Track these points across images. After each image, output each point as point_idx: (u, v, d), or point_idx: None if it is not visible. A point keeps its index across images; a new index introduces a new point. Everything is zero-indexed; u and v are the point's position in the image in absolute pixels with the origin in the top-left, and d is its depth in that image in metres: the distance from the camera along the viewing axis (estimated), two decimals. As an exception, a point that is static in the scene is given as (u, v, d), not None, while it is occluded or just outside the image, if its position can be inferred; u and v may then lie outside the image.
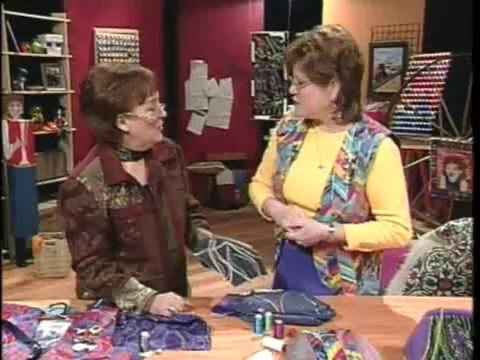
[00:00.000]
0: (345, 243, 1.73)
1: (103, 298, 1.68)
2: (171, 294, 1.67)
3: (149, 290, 1.66)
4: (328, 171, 1.75)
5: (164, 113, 1.72)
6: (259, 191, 1.96)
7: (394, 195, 1.74)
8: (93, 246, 1.68)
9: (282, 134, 1.88)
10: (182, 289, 1.88)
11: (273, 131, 1.95)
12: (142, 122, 1.67)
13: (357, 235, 1.73)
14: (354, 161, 1.73)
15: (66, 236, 1.74)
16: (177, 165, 1.86)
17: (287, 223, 1.75)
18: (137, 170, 1.75)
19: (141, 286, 1.67)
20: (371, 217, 1.78)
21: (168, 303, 1.62)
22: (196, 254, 1.77)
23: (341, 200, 1.72)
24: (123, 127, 1.67)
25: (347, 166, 1.73)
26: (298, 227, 1.72)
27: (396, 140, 1.77)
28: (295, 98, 1.77)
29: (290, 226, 1.73)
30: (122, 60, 5.79)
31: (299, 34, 1.79)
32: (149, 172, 1.76)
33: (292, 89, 1.77)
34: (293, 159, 1.83)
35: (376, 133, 1.74)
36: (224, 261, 1.69)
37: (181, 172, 1.88)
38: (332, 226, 1.73)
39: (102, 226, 1.68)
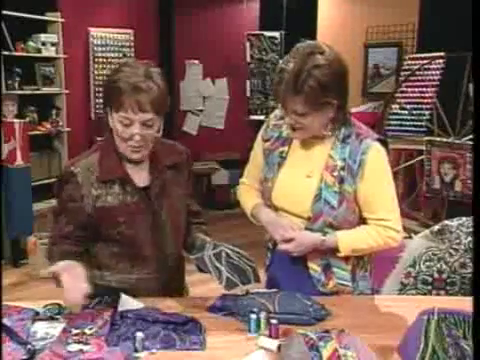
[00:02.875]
0: (337, 250, 1.74)
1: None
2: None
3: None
4: (317, 179, 1.74)
5: (137, 137, 1.63)
6: (248, 195, 1.94)
7: (384, 199, 1.74)
8: (63, 231, 1.74)
9: (267, 139, 1.86)
10: (178, 292, 1.88)
11: (258, 135, 1.93)
12: (114, 128, 1.67)
13: (349, 242, 1.73)
14: (343, 168, 1.72)
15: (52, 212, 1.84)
16: (184, 170, 1.85)
17: (279, 237, 1.74)
18: (138, 171, 1.75)
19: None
20: (361, 220, 1.78)
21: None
22: (192, 257, 1.77)
23: (332, 208, 1.72)
24: (109, 120, 1.69)
25: (336, 173, 1.72)
26: (290, 239, 1.72)
27: (384, 143, 1.75)
28: (295, 126, 1.72)
29: (282, 239, 1.73)
30: (117, 60, 5.77)
31: (284, 65, 1.65)
32: (153, 175, 1.76)
33: (289, 121, 1.72)
34: (280, 166, 1.81)
35: (363, 139, 1.72)
36: (219, 265, 1.69)
37: (187, 177, 1.86)
38: (324, 234, 1.73)
39: (79, 218, 1.72)
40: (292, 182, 1.78)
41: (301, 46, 1.68)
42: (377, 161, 1.72)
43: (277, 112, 1.88)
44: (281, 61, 1.70)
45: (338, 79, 1.66)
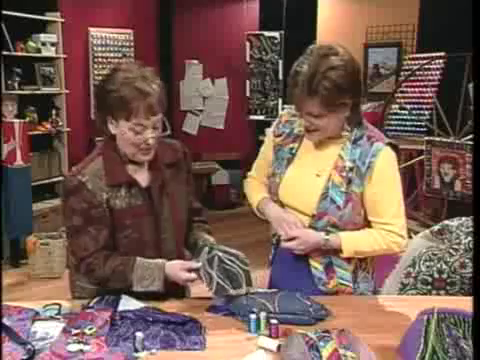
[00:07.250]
0: (340, 250, 1.74)
1: (117, 284, 1.70)
2: (177, 262, 1.71)
3: (160, 261, 1.70)
4: (325, 178, 1.74)
5: (150, 141, 1.66)
6: (254, 189, 1.95)
7: (391, 204, 1.74)
8: (100, 241, 1.70)
9: (279, 135, 1.86)
10: (178, 291, 1.86)
11: (269, 130, 1.93)
12: (123, 136, 1.67)
13: (352, 243, 1.73)
14: (351, 169, 1.72)
15: (69, 233, 1.75)
16: (182, 168, 1.85)
17: (283, 235, 1.75)
18: (140, 171, 1.75)
19: (150, 260, 1.70)
20: (366, 223, 1.78)
21: (179, 269, 1.68)
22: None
23: (337, 208, 1.72)
24: (111, 128, 1.68)
25: (344, 174, 1.72)
26: (294, 237, 1.72)
27: (394, 147, 1.75)
28: (310, 128, 1.73)
29: (286, 237, 1.74)
30: (117, 60, 5.77)
31: (299, 67, 1.65)
32: (152, 174, 1.76)
33: (305, 123, 1.72)
34: (289, 162, 1.82)
35: (374, 142, 1.72)
36: (210, 271, 1.67)
37: (186, 175, 1.87)
38: (328, 233, 1.73)
39: (106, 222, 1.70)
40: (300, 179, 1.79)
41: (315, 47, 1.69)
42: (386, 165, 1.72)
43: (290, 109, 1.87)
44: (295, 63, 1.69)
45: (353, 80, 1.67)
